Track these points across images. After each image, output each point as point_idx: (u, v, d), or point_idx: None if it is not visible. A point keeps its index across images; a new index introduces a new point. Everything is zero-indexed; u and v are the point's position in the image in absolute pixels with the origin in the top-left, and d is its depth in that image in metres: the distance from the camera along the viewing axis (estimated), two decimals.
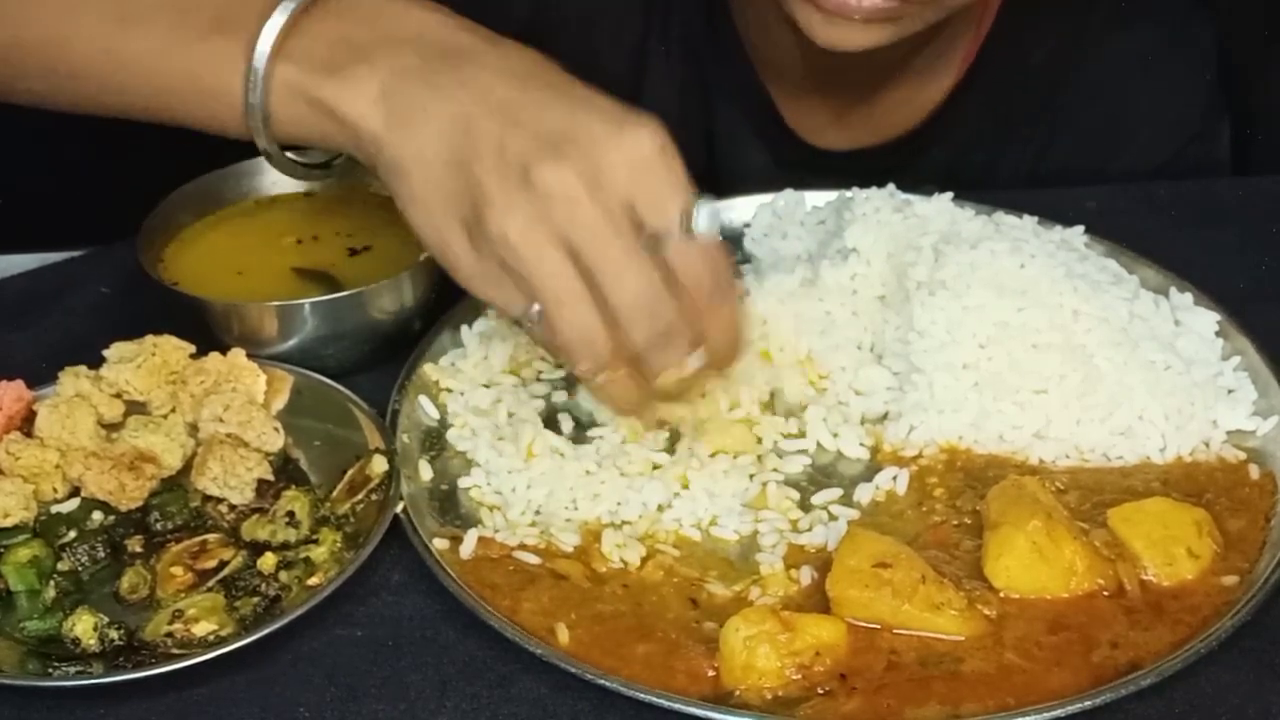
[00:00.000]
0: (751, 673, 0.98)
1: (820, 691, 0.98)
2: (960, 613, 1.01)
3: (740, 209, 1.38)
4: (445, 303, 1.26)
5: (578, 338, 1.03)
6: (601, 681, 0.98)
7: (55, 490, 1.11)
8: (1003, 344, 1.16)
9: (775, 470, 1.15)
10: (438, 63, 1.05)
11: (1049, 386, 1.15)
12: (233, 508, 1.10)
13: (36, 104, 1.18)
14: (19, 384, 1.17)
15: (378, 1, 1.10)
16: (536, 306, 1.03)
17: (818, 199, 1.37)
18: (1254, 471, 1.13)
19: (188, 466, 1.13)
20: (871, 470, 1.15)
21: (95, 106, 1.16)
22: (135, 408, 1.17)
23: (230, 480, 1.10)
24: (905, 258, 1.23)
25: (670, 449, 1.16)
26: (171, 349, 1.18)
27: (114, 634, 1.01)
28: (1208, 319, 1.23)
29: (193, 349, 1.19)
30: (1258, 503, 1.11)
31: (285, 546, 1.07)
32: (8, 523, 1.08)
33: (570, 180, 1.00)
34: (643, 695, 0.97)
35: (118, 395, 1.17)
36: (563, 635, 1.02)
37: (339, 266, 1.27)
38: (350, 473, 1.11)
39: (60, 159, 1.38)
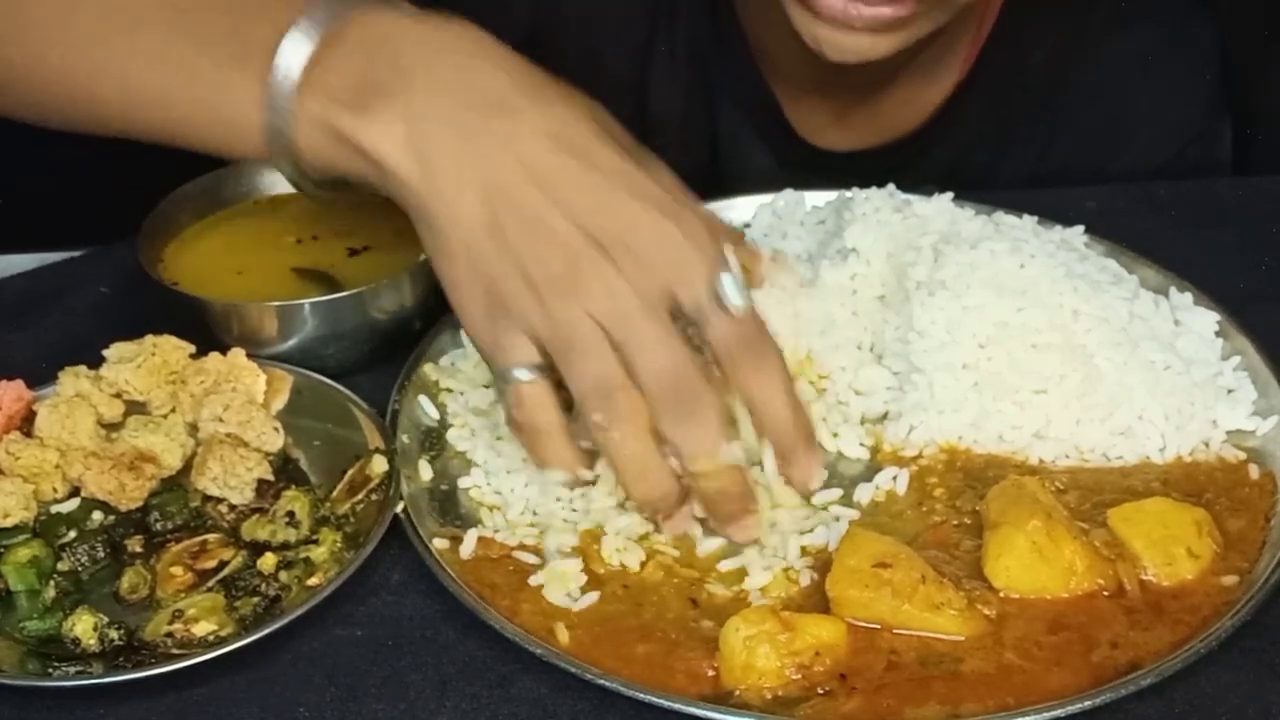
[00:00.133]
0: (751, 673, 0.98)
1: (820, 691, 0.98)
2: (960, 613, 1.01)
3: (741, 209, 1.39)
4: (445, 303, 1.25)
5: (593, 385, 1.01)
6: (601, 681, 0.98)
7: (55, 490, 1.11)
8: (1003, 344, 1.16)
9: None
10: (474, 116, 1.02)
11: (1049, 386, 1.15)
12: (233, 508, 1.10)
13: (47, 125, 1.17)
14: (19, 384, 1.17)
15: (402, 28, 1.05)
16: (529, 372, 1.02)
17: (817, 199, 1.37)
18: (1254, 471, 1.13)
19: (188, 466, 1.13)
20: (871, 470, 1.15)
21: (109, 132, 1.14)
22: (135, 408, 1.17)
23: (230, 480, 1.10)
24: (905, 258, 1.23)
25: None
26: (171, 349, 1.18)
27: (114, 634, 1.01)
28: (1208, 319, 1.23)
29: (193, 349, 1.19)
30: (1258, 503, 1.11)
31: (285, 546, 1.07)
32: (8, 523, 1.08)
33: (609, 275, 0.99)
34: (643, 695, 0.97)
35: (118, 395, 1.17)
36: (563, 635, 1.02)
37: (339, 266, 1.27)
38: (350, 473, 1.11)
39: (60, 159, 1.38)
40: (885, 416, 1.18)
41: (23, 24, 1.13)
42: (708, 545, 1.08)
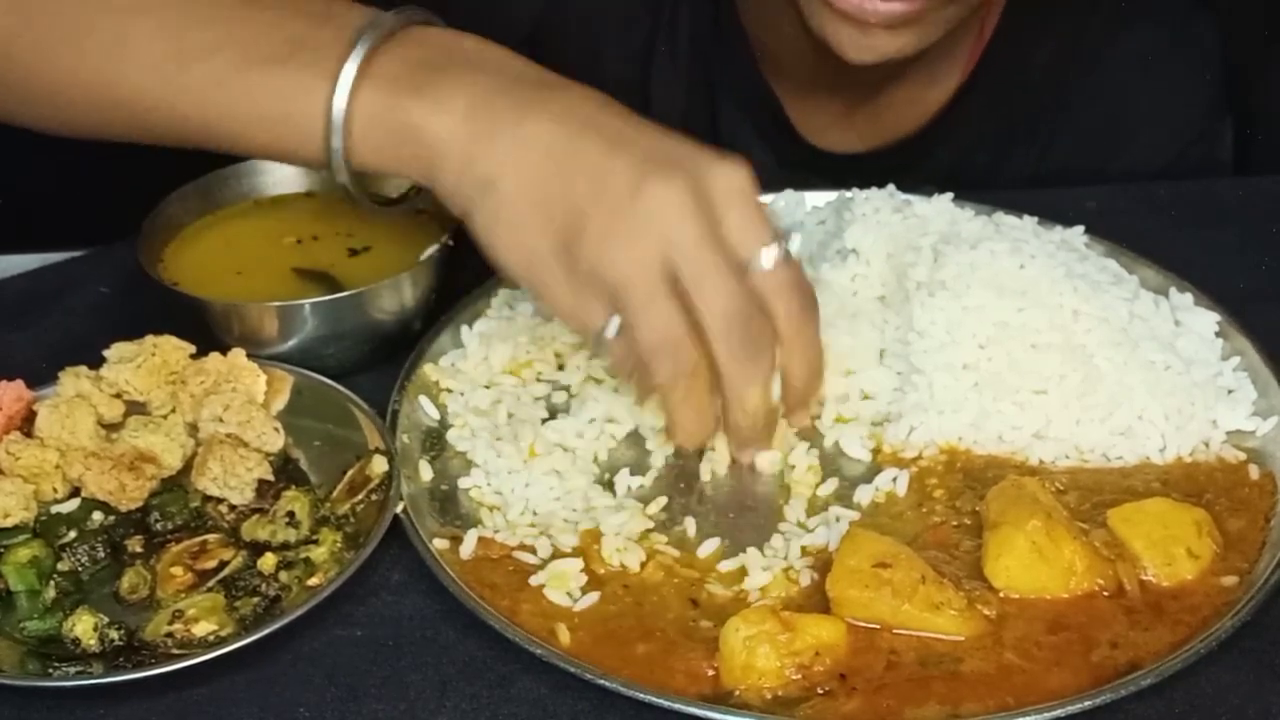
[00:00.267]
0: (751, 673, 0.98)
1: (820, 691, 0.98)
2: (960, 613, 1.01)
3: None
4: (445, 303, 1.26)
5: (660, 340, 1.03)
6: (601, 681, 0.98)
7: (55, 490, 1.11)
8: (1003, 344, 1.16)
9: None
10: (526, 89, 1.07)
11: (1049, 387, 1.15)
12: (233, 508, 1.10)
13: (82, 136, 1.18)
14: (19, 384, 1.17)
15: (454, 34, 1.11)
16: (615, 321, 1.04)
17: (817, 199, 1.37)
18: (1254, 472, 1.13)
19: (188, 466, 1.13)
20: (872, 471, 1.15)
21: (150, 137, 1.15)
22: (135, 408, 1.17)
23: (230, 480, 1.10)
24: (905, 258, 1.23)
25: (677, 453, 1.16)
26: (171, 349, 1.18)
27: (114, 634, 1.01)
28: (1208, 319, 1.23)
29: (193, 349, 1.19)
30: (1257, 503, 1.11)
31: (285, 547, 1.07)
32: (8, 523, 1.08)
33: (680, 196, 1.02)
34: (642, 695, 0.97)
35: (118, 395, 1.17)
36: (563, 635, 1.02)
37: (339, 266, 1.27)
38: (350, 473, 1.11)
39: (60, 159, 1.38)
40: (886, 417, 1.18)
41: (85, 49, 1.13)
42: (708, 546, 1.08)
